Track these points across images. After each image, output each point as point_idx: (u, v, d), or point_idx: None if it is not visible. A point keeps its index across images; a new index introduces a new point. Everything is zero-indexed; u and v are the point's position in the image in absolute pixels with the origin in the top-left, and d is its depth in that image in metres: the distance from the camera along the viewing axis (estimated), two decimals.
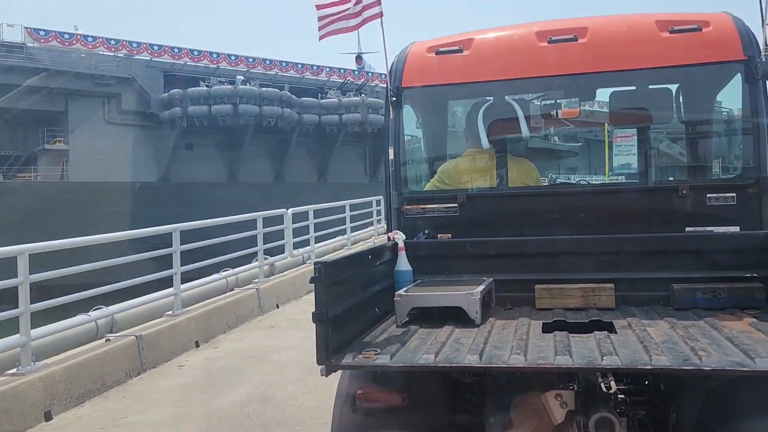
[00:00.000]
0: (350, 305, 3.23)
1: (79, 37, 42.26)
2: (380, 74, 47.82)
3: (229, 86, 42.18)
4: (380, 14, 4.90)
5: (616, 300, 3.78)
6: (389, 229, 4.42)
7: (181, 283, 8.87)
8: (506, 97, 4.74)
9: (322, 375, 2.89)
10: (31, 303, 6.11)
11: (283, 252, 13.33)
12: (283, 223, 13.32)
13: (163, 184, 40.43)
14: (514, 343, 3.03)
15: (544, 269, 4.03)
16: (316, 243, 15.04)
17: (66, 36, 41.98)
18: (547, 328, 3.32)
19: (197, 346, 8.38)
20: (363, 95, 47.54)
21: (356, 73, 52.92)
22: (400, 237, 4.16)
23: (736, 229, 3.93)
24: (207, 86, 42.17)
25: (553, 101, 4.69)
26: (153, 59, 43.02)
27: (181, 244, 8.88)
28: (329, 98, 46.90)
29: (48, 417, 5.79)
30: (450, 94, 4.81)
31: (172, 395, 6.47)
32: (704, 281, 3.71)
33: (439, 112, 4.99)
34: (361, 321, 3.41)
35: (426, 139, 5.12)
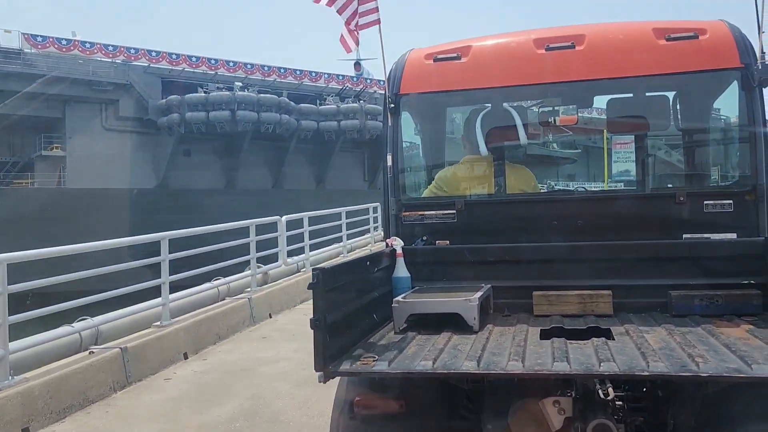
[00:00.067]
0: (348, 312, 3.24)
1: (76, 43, 42.27)
2: (379, 81, 47.91)
3: (227, 92, 42.22)
4: (378, 21, 4.92)
5: (613, 307, 3.79)
6: (387, 236, 4.42)
7: (172, 293, 8.59)
8: (504, 104, 4.76)
9: (319, 382, 2.88)
10: (10, 315, 5.83)
11: (276, 260, 13.05)
12: (276, 231, 13.10)
13: (160, 190, 40.39)
14: (512, 349, 3.03)
15: (541, 276, 4.04)
16: (311, 251, 14.80)
17: (64, 42, 41.98)
18: (544, 335, 3.33)
19: (186, 358, 8.13)
20: (361, 102, 47.63)
21: (355, 79, 52.99)
22: (398, 243, 4.16)
23: (733, 236, 3.94)
24: (205, 92, 42.21)
25: (550, 108, 4.70)
26: (151, 65, 43.07)
27: (174, 252, 8.72)
28: (327, 105, 46.96)
29: None
30: (448, 101, 4.83)
31: (157, 410, 6.26)
32: (701, 288, 3.71)
33: (437, 119, 5.00)
34: (359, 327, 3.41)
35: (424, 146, 5.14)
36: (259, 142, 43.61)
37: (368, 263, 3.77)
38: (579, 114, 4.64)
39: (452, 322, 3.47)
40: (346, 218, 17.40)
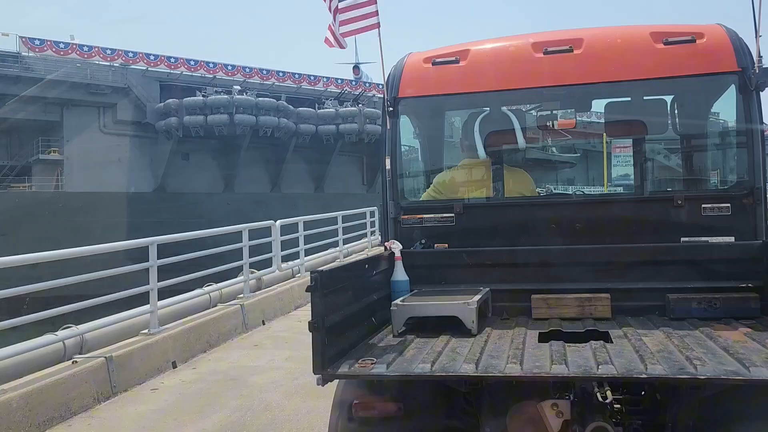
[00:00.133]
0: (347, 315, 3.25)
1: (74, 46, 42.24)
2: (378, 84, 47.93)
3: (226, 96, 42.17)
4: (377, 25, 4.93)
5: (612, 310, 3.80)
6: (386, 239, 4.43)
7: (163, 299, 8.32)
8: (502, 107, 4.77)
9: (318, 384, 2.89)
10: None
11: (271, 265, 12.73)
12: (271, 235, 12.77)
13: (158, 194, 40.35)
14: (510, 352, 3.04)
15: (540, 279, 4.05)
16: (307, 256, 14.48)
17: (61, 45, 41.96)
18: (543, 338, 3.34)
19: (174, 366, 7.86)
20: (360, 105, 47.58)
21: (353, 83, 53.03)
22: (396, 246, 4.17)
23: (731, 239, 3.96)
24: (203, 96, 42.16)
25: (548, 112, 4.72)
26: (149, 69, 43.02)
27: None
28: (326, 108, 46.91)
29: None
30: (446, 105, 4.84)
31: (141, 423, 6.05)
32: (700, 291, 3.73)
33: (436, 123, 5.01)
34: (357, 330, 3.41)
35: (423, 149, 5.15)
36: (258, 146, 43.56)
37: (367, 266, 3.78)
38: (577, 118, 4.66)
39: (451, 325, 3.48)
40: (343, 222, 17.11)
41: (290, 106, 44.36)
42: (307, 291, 2.87)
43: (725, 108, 4.26)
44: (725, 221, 4.00)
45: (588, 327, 3.50)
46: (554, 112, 4.60)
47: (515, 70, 4.35)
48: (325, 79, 50.97)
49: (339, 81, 51.82)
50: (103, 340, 7.50)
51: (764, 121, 4.12)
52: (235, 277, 11.28)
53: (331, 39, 5.33)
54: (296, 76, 49.47)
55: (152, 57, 44.08)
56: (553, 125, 4.63)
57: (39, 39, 41.36)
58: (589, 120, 6.23)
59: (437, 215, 4.43)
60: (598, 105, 4.71)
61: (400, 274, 4.06)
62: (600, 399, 2.75)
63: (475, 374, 2.80)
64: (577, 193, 7.44)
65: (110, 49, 43.15)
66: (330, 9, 5.05)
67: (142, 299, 8.10)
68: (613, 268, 4.00)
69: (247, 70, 47.66)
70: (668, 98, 4.57)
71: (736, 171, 4.38)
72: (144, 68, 42.81)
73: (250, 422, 5.94)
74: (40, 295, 6.63)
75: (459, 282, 4.11)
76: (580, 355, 2.96)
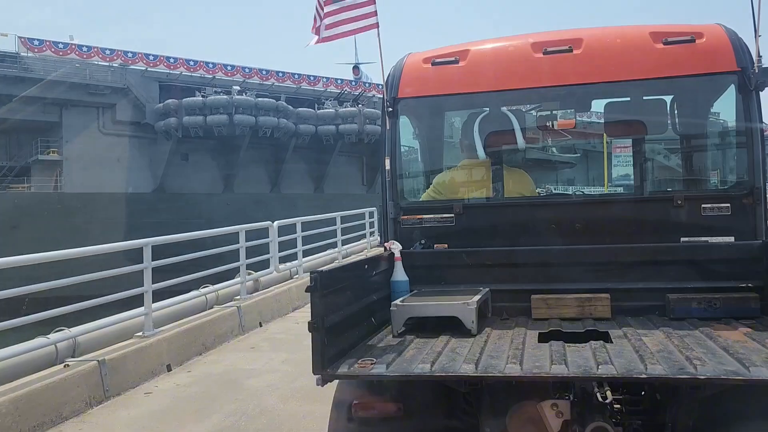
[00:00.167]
0: (346, 315, 3.25)
1: (73, 46, 42.18)
2: (377, 85, 47.91)
3: (225, 96, 42.12)
4: (376, 25, 4.92)
5: (612, 310, 3.80)
6: (385, 239, 4.43)
7: (159, 301, 8.21)
8: (502, 107, 4.77)
9: (317, 385, 2.89)
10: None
11: (268, 267, 12.60)
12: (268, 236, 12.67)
13: (157, 194, 40.33)
14: (510, 352, 3.04)
15: (540, 279, 4.05)
16: (306, 257, 14.37)
17: (60, 45, 41.91)
18: (543, 338, 3.34)
19: (169, 370, 7.72)
20: (360, 106, 47.54)
21: (353, 83, 53.02)
22: (396, 247, 4.17)
23: (731, 239, 3.96)
24: (203, 96, 42.13)
25: (548, 112, 4.72)
26: (148, 69, 42.97)
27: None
28: (326, 109, 46.87)
29: None
30: (446, 105, 4.84)
31: (134, 428, 5.96)
32: (699, 291, 3.73)
33: (436, 123, 5.01)
34: (357, 331, 3.42)
35: (422, 150, 5.14)
36: (257, 146, 43.53)
37: (366, 267, 3.78)
38: (577, 118, 4.66)
39: (450, 326, 3.48)
40: (342, 223, 16.98)
41: (290, 107, 44.32)
42: (306, 291, 2.87)
43: (725, 108, 4.27)
44: (725, 221, 4.00)
45: (588, 327, 3.51)
46: (554, 112, 4.61)
47: (515, 70, 4.35)
48: (324, 80, 50.95)
49: (339, 81, 51.82)
50: (96, 343, 7.36)
51: (764, 120, 4.12)
52: (233, 278, 11.15)
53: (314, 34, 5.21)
54: (296, 76, 49.43)
55: (151, 57, 44.05)
56: (552, 125, 4.64)
57: (38, 39, 41.32)
58: (588, 120, 6.23)
59: (437, 215, 4.43)
60: (598, 105, 4.71)
61: (399, 274, 4.06)
62: (600, 399, 2.75)
63: (475, 374, 2.80)
64: (577, 193, 7.45)
65: (109, 50, 43.12)
66: (320, 5, 4.98)
67: (141, 300, 8.03)
68: (613, 268, 4.00)
69: (247, 70, 47.63)
70: (668, 98, 4.58)
71: (735, 171, 4.39)
72: (143, 68, 42.76)
73: (245, 427, 5.86)
74: (40, 296, 6.57)
75: (459, 282, 4.11)
76: (580, 355, 2.96)
